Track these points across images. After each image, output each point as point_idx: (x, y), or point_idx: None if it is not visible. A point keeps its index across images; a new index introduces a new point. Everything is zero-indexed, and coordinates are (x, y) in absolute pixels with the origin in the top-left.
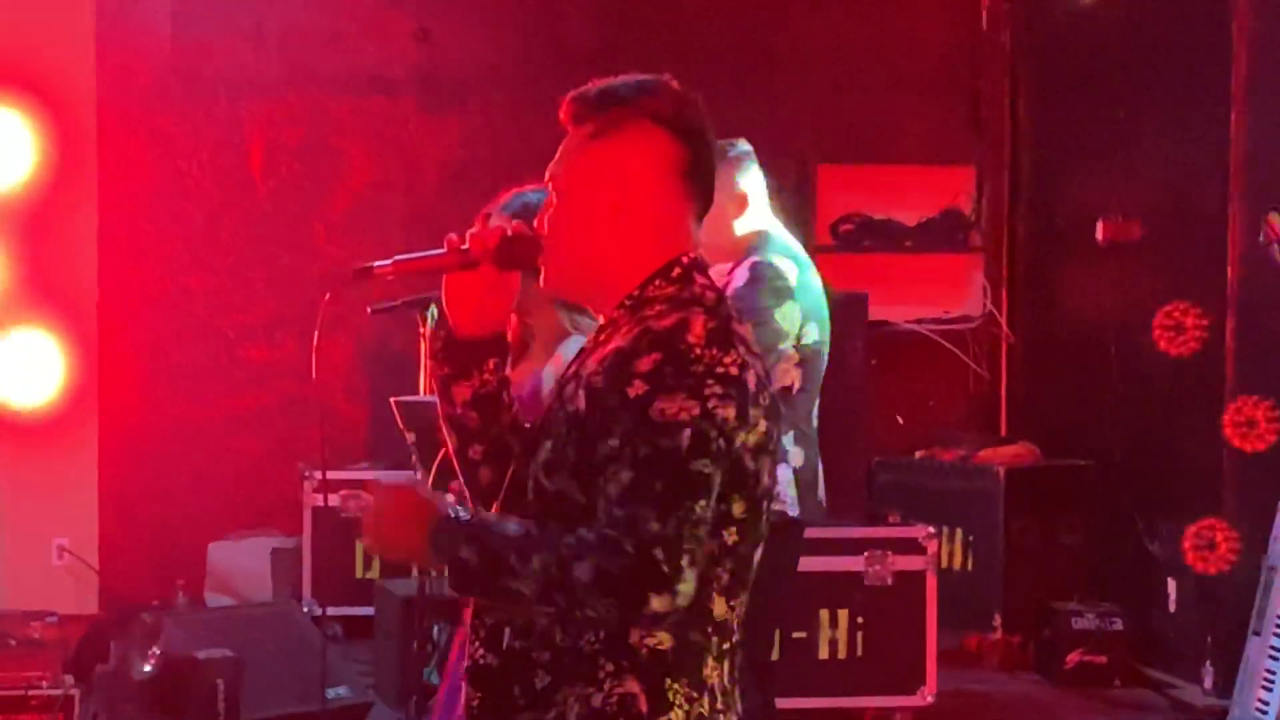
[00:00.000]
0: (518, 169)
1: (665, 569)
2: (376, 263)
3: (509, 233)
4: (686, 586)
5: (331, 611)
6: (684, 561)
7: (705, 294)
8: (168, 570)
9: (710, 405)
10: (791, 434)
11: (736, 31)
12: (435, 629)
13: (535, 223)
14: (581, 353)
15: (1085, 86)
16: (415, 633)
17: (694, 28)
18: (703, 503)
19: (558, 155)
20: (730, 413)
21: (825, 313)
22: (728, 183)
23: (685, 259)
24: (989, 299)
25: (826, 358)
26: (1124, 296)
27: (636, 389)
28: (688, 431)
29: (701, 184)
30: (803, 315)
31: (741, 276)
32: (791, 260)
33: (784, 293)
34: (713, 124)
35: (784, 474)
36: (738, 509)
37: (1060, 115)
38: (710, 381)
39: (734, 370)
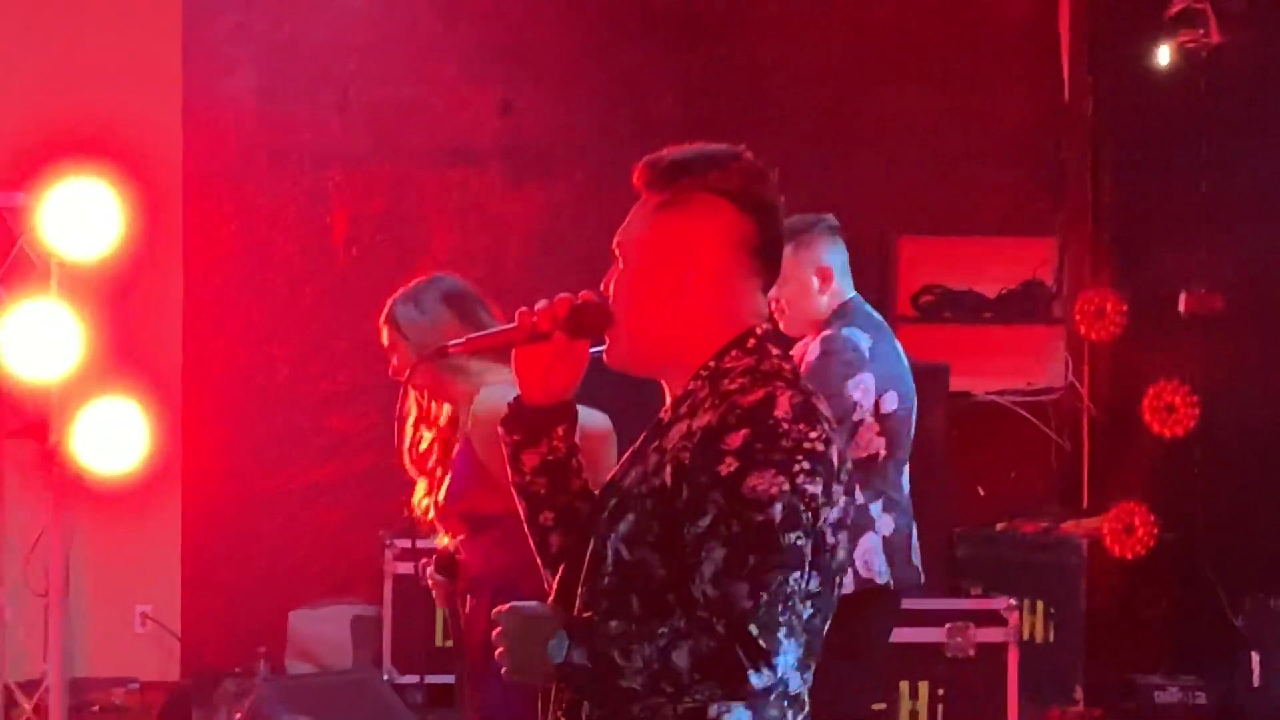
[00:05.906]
0: (602, 240)
1: (762, 644)
2: (452, 342)
3: (578, 301)
4: (785, 659)
5: (412, 679)
6: (781, 634)
7: (783, 366)
8: (249, 637)
9: (799, 481)
10: (880, 501)
11: (819, 104)
12: None
13: (602, 287)
14: (657, 424)
15: (1168, 157)
16: None
17: (776, 100)
18: (797, 574)
19: (626, 221)
20: (817, 488)
21: (907, 379)
22: (813, 257)
23: (759, 330)
24: (1071, 371)
25: (914, 424)
26: (1206, 368)
27: (728, 466)
28: (779, 505)
29: (768, 258)
30: (878, 384)
31: (813, 351)
32: (868, 331)
33: (855, 364)
34: (784, 199)
35: (872, 542)
36: (814, 583)
37: (1142, 186)
38: (799, 457)
39: (820, 446)
